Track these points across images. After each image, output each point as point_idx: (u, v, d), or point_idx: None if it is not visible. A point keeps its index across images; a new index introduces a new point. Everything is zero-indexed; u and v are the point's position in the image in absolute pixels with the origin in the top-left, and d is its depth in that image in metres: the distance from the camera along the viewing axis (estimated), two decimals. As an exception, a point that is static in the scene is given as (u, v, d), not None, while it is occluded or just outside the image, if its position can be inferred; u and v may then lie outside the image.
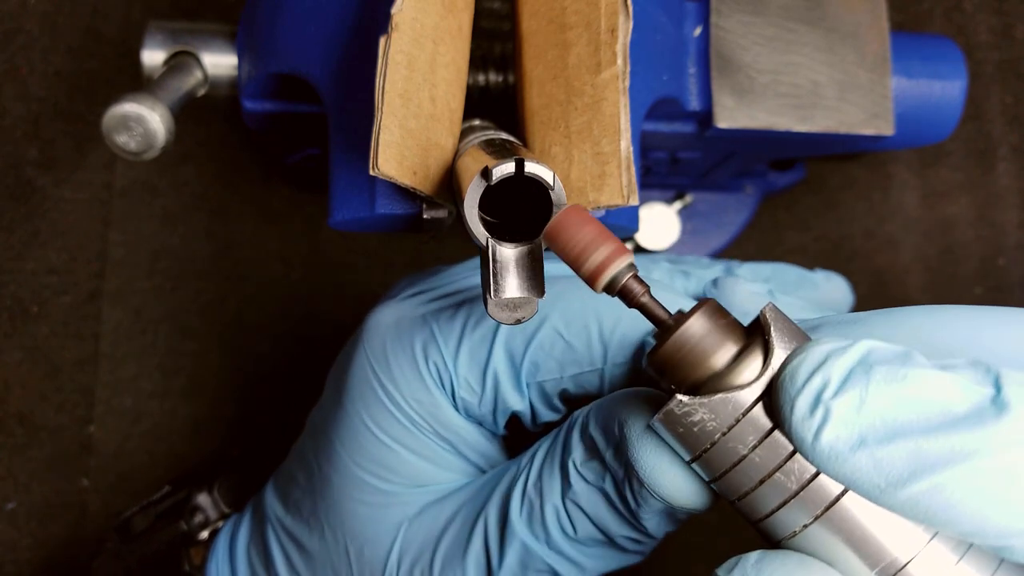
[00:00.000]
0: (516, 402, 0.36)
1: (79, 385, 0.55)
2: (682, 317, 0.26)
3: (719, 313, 0.26)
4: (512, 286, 0.29)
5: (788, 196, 0.60)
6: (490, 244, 0.29)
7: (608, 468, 0.31)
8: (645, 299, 0.26)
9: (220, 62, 0.44)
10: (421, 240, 0.58)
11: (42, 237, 0.56)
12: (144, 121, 0.38)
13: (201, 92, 0.44)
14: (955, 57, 0.49)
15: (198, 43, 0.44)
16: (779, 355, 0.25)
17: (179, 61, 0.44)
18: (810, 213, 0.60)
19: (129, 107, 0.37)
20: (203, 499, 0.46)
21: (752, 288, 0.37)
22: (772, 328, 0.25)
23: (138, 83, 0.44)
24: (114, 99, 0.38)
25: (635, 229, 0.39)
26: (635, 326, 0.34)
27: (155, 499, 0.49)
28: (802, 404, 0.23)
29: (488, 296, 0.29)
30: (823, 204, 0.60)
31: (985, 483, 0.22)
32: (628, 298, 0.26)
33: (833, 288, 0.47)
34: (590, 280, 0.26)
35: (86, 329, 0.56)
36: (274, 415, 0.56)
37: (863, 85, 0.46)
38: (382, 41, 0.29)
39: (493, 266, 0.29)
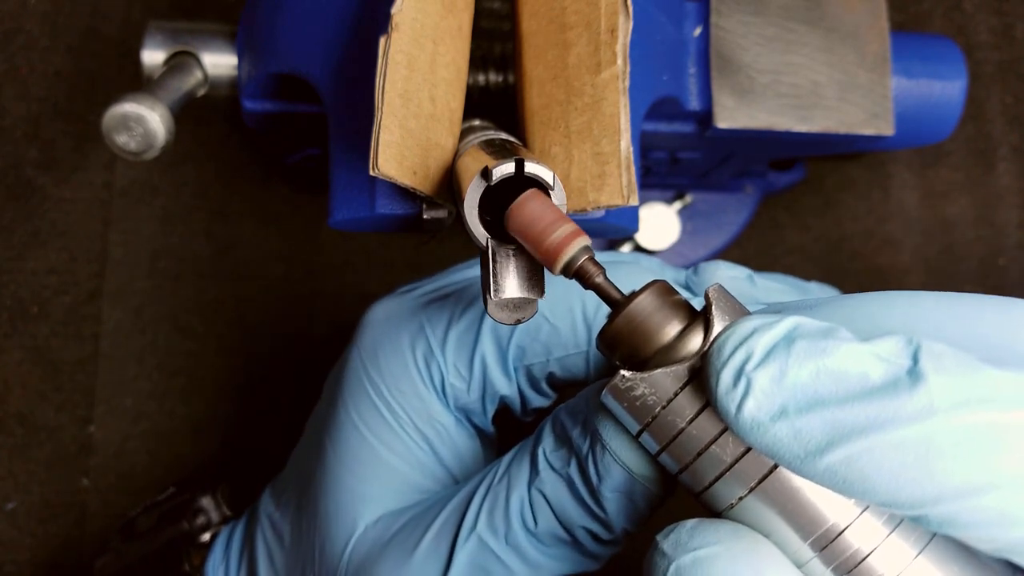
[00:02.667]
0: (504, 386, 0.36)
1: (79, 385, 0.55)
2: (632, 296, 0.27)
3: (667, 292, 0.27)
4: (512, 286, 0.29)
5: (788, 196, 0.60)
6: (490, 244, 0.29)
7: (573, 448, 0.31)
8: (599, 279, 0.27)
9: (220, 62, 0.44)
10: (421, 240, 0.58)
11: (42, 237, 0.56)
12: (144, 121, 0.38)
13: (201, 92, 0.44)
14: (955, 57, 0.49)
15: (198, 43, 0.44)
16: (718, 331, 0.26)
17: (179, 61, 0.44)
18: (810, 213, 0.60)
19: (129, 107, 0.37)
20: (206, 502, 0.46)
21: (732, 272, 0.38)
22: (714, 306, 0.26)
23: (138, 83, 0.44)
24: (114, 99, 0.38)
25: (635, 229, 0.39)
26: None
27: (159, 500, 0.49)
28: (726, 376, 0.24)
29: (488, 296, 0.29)
30: (823, 204, 0.60)
31: (896, 454, 0.22)
32: (584, 279, 0.27)
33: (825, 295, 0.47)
34: (547, 260, 0.27)
35: (86, 329, 0.56)
36: (275, 415, 0.56)
37: (863, 85, 0.46)
38: (382, 41, 0.29)
39: (493, 266, 0.29)
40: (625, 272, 0.37)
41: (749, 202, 0.58)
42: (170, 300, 0.56)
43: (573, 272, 0.27)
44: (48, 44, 0.57)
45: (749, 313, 0.27)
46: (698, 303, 0.34)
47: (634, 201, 0.30)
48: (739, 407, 0.23)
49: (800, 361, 0.23)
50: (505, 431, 0.40)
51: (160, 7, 0.58)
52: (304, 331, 0.57)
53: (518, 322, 0.29)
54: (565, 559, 0.33)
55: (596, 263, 0.27)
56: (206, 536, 0.45)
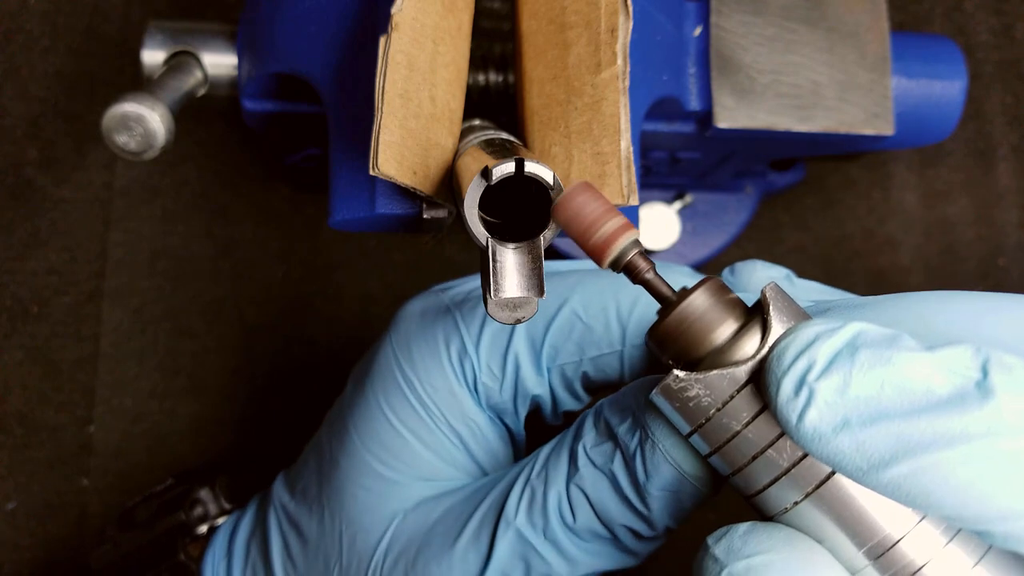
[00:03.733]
0: (536, 386, 0.36)
1: (79, 385, 0.55)
2: (685, 293, 0.26)
3: (722, 290, 0.26)
4: (512, 286, 0.29)
5: (788, 196, 0.60)
6: (490, 244, 0.29)
7: (619, 444, 0.31)
8: (650, 275, 0.26)
9: (220, 62, 0.44)
10: (421, 240, 0.58)
11: (42, 237, 0.56)
12: (144, 121, 0.38)
13: (201, 92, 0.44)
14: (955, 57, 0.49)
15: (198, 43, 0.44)
16: (776, 333, 0.25)
17: (179, 61, 0.44)
18: (810, 213, 0.60)
19: (129, 107, 0.37)
20: (204, 493, 0.46)
21: (770, 272, 0.37)
22: (771, 307, 0.25)
23: (138, 83, 0.44)
24: (114, 99, 0.38)
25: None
26: (652, 306, 0.34)
27: (158, 491, 0.49)
28: (787, 385, 0.23)
29: (488, 296, 0.29)
30: (823, 204, 0.60)
31: (962, 470, 0.22)
32: (633, 274, 0.26)
33: None
34: (595, 254, 0.26)
35: (86, 329, 0.56)
36: (275, 414, 0.56)
37: (863, 85, 0.46)
38: (382, 41, 0.29)
39: (493, 266, 0.29)
40: (662, 267, 0.36)
41: (749, 202, 0.58)
42: (170, 300, 0.56)
43: (622, 267, 0.26)
44: (48, 44, 0.57)
45: (807, 315, 0.26)
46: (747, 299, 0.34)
47: (634, 201, 0.30)
48: (800, 417, 0.23)
49: (864, 372, 0.23)
50: (533, 437, 0.40)
51: (160, 7, 0.58)
52: (304, 331, 0.57)
53: (518, 322, 0.29)
54: (603, 555, 0.33)
55: (646, 258, 0.26)
56: (203, 528, 0.45)
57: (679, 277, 0.35)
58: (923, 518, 0.24)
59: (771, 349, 0.25)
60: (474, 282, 0.40)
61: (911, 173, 0.61)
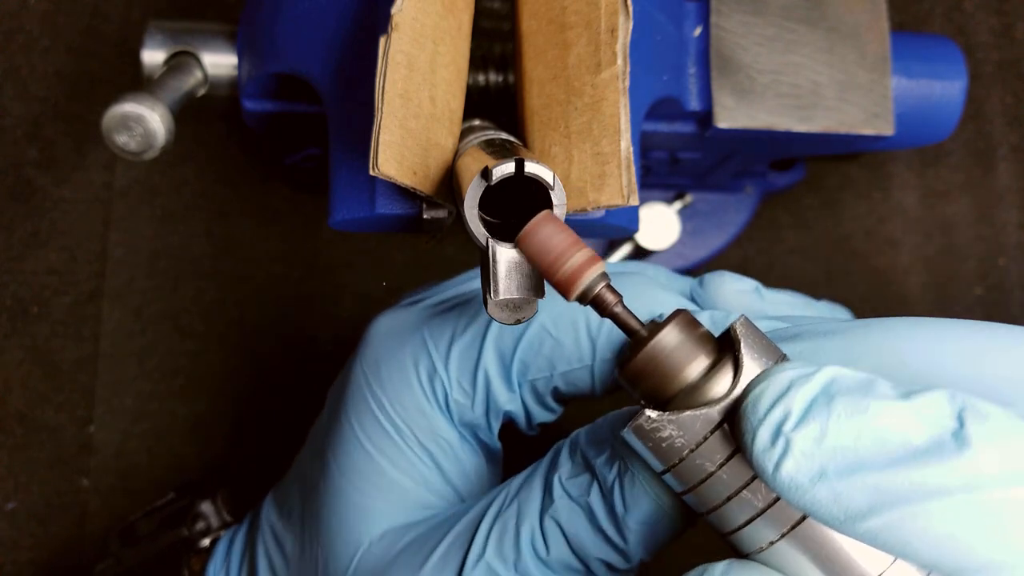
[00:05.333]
0: (508, 401, 0.36)
1: (79, 385, 0.55)
2: (655, 328, 0.26)
3: (691, 325, 0.26)
4: (512, 286, 0.29)
5: (788, 196, 0.60)
6: (490, 244, 0.29)
7: (597, 476, 0.30)
8: (618, 309, 0.26)
9: (220, 62, 0.44)
10: (421, 240, 0.58)
11: (42, 237, 0.56)
12: (144, 121, 0.38)
13: (201, 92, 0.44)
14: (955, 57, 0.49)
15: (198, 43, 0.44)
16: (748, 372, 0.25)
17: (179, 61, 0.44)
18: (810, 213, 0.60)
19: (129, 107, 0.37)
20: (206, 507, 0.46)
21: (738, 285, 0.37)
22: (743, 344, 0.25)
23: (138, 83, 0.44)
24: (114, 99, 0.38)
25: (635, 229, 0.39)
26: None
27: (159, 505, 0.49)
28: (763, 435, 0.23)
29: (488, 296, 0.29)
30: (823, 204, 0.60)
31: (940, 522, 0.22)
32: (600, 308, 0.26)
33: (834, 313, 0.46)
34: (562, 288, 0.26)
35: (86, 329, 0.56)
36: (275, 415, 0.56)
37: (863, 85, 0.46)
38: (382, 41, 0.29)
39: (493, 266, 0.29)
40: (631, 284, 0.36)
41: (749, 202, 0.58)
42: (170, 300, 0.56)
43: (589, 300, 0.26)
44: (48, 44, 0.57)
45: (779, 350, 0.26)
46: (705, 318, 0.33)
47: (634, 201, 0.30)
48: (777, 467, 0.23)
49: (840, 422, 0.22)
50: (510, 447, 0.40)
51: (160, 7, 0.58)
52: (304, 331, 0.57)
53: (518, 322, 0.29)
54: None
55: (613, 291, 0.26)
56: (206, 541, 0.45)
57: (649, 297, 0.35)
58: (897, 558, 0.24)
59: (745, 393, 0.24)
60: (445, 292, 0.39)
61: (911, 173, 0.61)
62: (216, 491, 0.47)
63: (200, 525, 0.46)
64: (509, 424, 0.38)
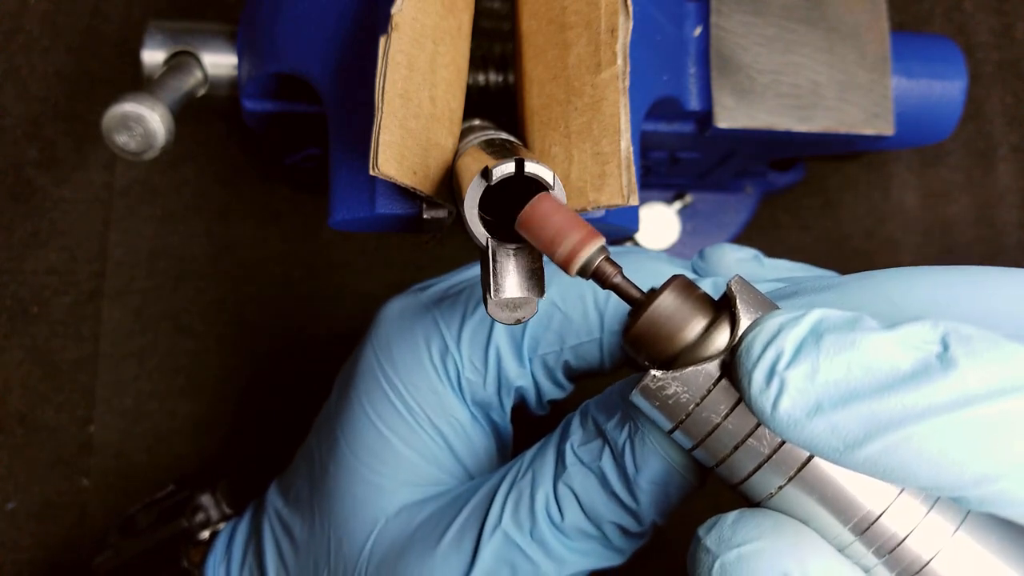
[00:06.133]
0: (519, 377, 0.36)
1: (79, 385, 0.55)
2: (653, 294, 0.27)
3: (688, 288, 0.27)
4: (512, 286, 0.29)
5: (788, 196, 0.60)
6: (490, 244, 0.29)
7: (608, 440, 0.31)
8: (618, 279, 0.27)
9: (220, 62, 0.44)
10: (421, 240, 0.58)
11: (42, 237, 0.56)
12: (144, 121, 0.38)
13: (201, 92, 0.44)
14: (955, 57, 0.49)
15: (198, 43, 0.44)
16: (745, 325, 0.26)
17: (179, 61, 0.44)
18: (810, 213, 0.60)
19: (129, 107, 0.37)
20: (205, 499, 0.46)
21: (738, 254, 0.38)
22: (738, 299, 0.26)
23: (138, 83, 0.44)
24: (114, 99, 0.38)
25: (635, 229, 0.39)
26: None
27: (159, 497, 0.49)
28: (758, 377, 0.24)
29: (488, 296, 0.29)
30: (823, 204, 0.60)
31: (934, 441, 0.22)
32: (601, 280, 0.27)
33: None
34: (563, 265, 0.26)
35: (86, 329, 0.56)
36: (275, 414, 0.56)
37: (863, 85, 0.46)
38: (382, 41, 0.29)
39: (493, 266, 0.29)
40: (632, 258, 0.37)
41: (749, 202, 0.58)
42: (170, 300, 0.56)
43: (590, 274, 0.27)
44: (48, 44, 0.57)
45: (773, 304, 0.27)
46: (708, 285, 0.34)
47: (634, 201, 0.30)
48: (774, 406, 0.24)
49: (831, 356, 0.23)
50: (519, 432, 0.40)
51: (160, 7, 0.58)
52: (304, 331, 0.57)
53: (518, 321, 0.29)
54: (591, 553, 0.33)
55: (613, 263, 0.27)
56: (205, 534, 0.45)
57: (650, 269, 0.36)
58: (902, 491, 0.25)
59: (740, 341, 0.25)
60: (453, 279, 0.40)
61: (911, 173, 0.61)
62: (216, 483, 0.47)
63: (200, 517, 0.46)
64: (519, 406, 0.38)
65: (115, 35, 0.58)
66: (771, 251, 0.60)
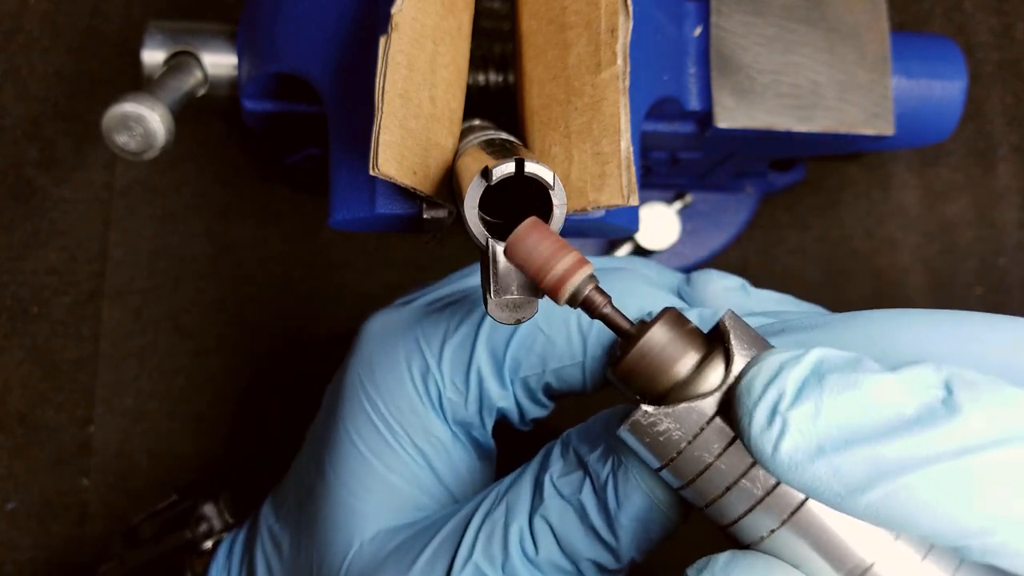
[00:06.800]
0: (501, 398, 0.36)
1: (79, 385, 0.55)
2: (644, 327, 0.26)
3: (679, 321, 0.26)
4: (512, 286, 0.29)
5: (788, 196, 0.60)
6: (490, 244, 0.29)
7: (590, 473, 0.30)
8: (607, 310, 0.26)
9: (220, 62, 0.44)
10: (421, 240, 0.58)
11: (42, 237, 0.56)
12: (144, 121, 0.38)
13: (201, 92, 0.44)
14: (955, 57, 0.49)
15: (198, 43, 0.44)
16: (739, 363, 0.25)
17: (179, 61, 0.44)
18: (810, 213, 0.60)
19: (129, 107, 0.37)
20: (208, 509, 0.46)
21: (725, 283, 0.37)
22: (731, 336, 0.26)
23: (138, 83, 0.44)
24: (114, 99, 0.38)
25: (635, 229, 0.39)
26: None
27: (162, 507, 0.49)
28: (759, 417, 0.23)
29: (488, 296, 0.29)
30: (823, 204, 0.60)
31: (937, 489, 0.22)
32: (590, 309, 0.26)
33: None
34: (551, 294, 0.26)
35: (86, 329, 0.56)
36: (275, 415, 0.56)
37: (863, 85, 0.46)
38: (382, 41, 0.29)
39: (493, 266, 0.29)
40: (622, 280, 0.36)
41: (749, 202, 0.58)
42: (170, 300, 0.56)
43: (579, 303, 0.26)
44: (48, 44, 0.57)
45: (766, 342, 0.26)
46: (694, 316, 0.33)
47: (634, 201, 0.30)
48: (775, 447, 0.23)
49: (834, 397, 0.23)
50: (503, 446, 0.40)
51: (160, 7, 0.58)
52: (304, 331, 0.57)
53: (518, 322, 0.29)
54: None
55: (602, 292, 0.26)
56: (208, 543, 0.45)
57: (641, 293, 0.35)
58: (898, 537, 0.25)
59: (738, 380, 0.25)
60: (437, 291, 0.39)
61: (911, 173, 0.61)
62: (218, 493, 0.47)
63: (203, 527, 0.45)
64: (502, 421, 0.38)
65: (115, 35, 0.58)
66: (771, 251, 0.60)
